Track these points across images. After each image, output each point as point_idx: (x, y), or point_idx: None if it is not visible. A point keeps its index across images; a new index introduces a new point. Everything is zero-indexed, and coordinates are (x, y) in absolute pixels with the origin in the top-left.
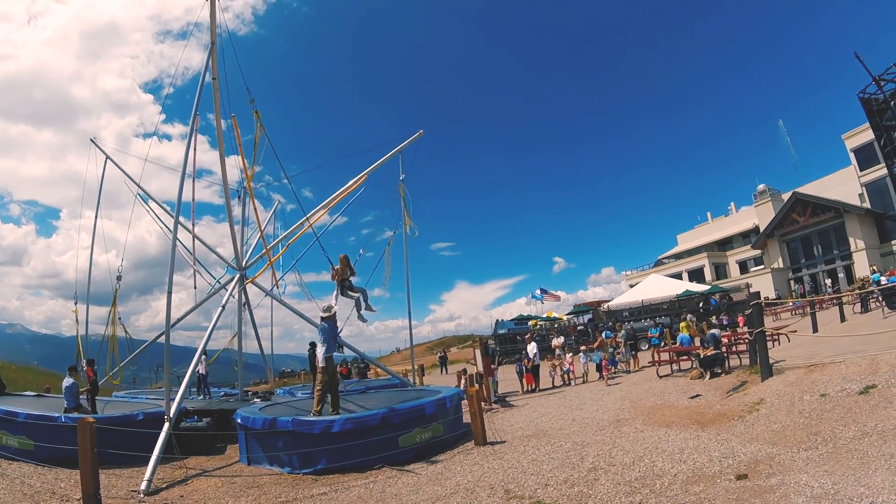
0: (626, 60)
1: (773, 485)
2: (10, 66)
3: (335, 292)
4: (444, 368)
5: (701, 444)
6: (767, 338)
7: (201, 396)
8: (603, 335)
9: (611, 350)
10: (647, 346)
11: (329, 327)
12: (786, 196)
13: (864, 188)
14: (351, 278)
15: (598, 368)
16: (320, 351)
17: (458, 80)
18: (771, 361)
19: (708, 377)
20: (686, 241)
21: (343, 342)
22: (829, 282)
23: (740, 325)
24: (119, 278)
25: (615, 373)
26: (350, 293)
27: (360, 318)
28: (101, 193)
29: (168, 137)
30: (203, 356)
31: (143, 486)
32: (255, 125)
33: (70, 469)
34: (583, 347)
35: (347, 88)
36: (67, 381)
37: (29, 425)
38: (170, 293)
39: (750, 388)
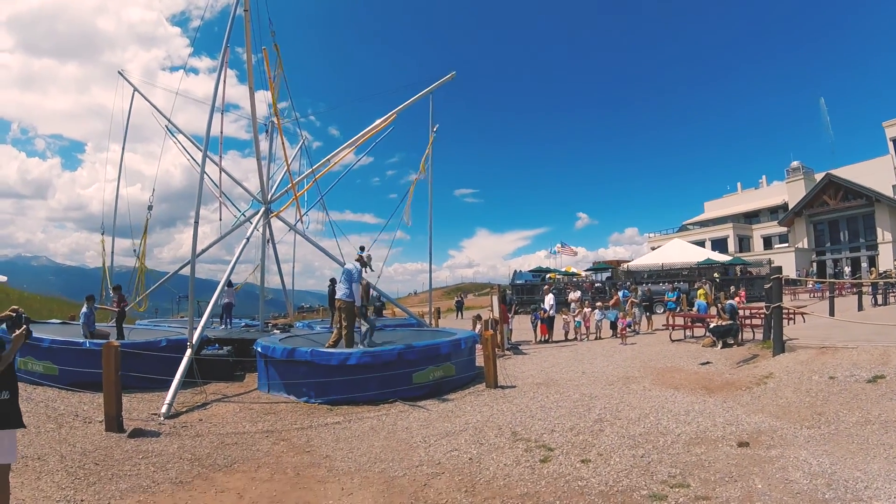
0: (671, 20)
1: (773, 456)
2: (33, 0)
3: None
4: (460, 313)
5: (707, 408)
6: (784, 315)
7: (223, 326)
8: (620, 294)
9: (624, 311)
10: (662, 310)
11: (356, 271)
12: (818, 176)
13: None
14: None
15: (612, 326)
16: (340, 289)
17: (495, 23)
18: (784, 339)
19: (720, 346)
20: (713, 209)
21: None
22: (848, 269)
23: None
24: (150, 208)
25: (631, 332)
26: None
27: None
28: (128, 126)
29: (195, 71)
30: (228, 286)
31: (164, 409)
32: (275, 60)
33: (93, 393)
34: (598, 304)
35: (380, 26)
36: (84, 310)
37: (54, 351)
38: (196, 224)
39: (760, 361)
